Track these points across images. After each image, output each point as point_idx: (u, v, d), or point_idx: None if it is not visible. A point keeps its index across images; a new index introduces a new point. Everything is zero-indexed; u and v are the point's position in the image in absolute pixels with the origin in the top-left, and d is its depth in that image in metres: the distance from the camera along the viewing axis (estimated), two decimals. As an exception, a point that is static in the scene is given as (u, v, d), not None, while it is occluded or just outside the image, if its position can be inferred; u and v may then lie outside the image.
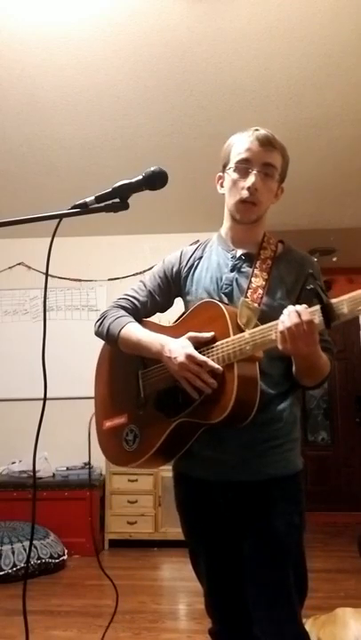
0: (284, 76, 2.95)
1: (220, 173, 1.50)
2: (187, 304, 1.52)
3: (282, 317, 1.20)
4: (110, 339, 1.50)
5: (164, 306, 1.59)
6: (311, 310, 1.18)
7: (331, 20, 2.58)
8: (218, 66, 2.88)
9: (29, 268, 4.79)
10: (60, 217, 1.15)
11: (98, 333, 1.56)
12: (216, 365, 1.28)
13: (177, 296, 1.58)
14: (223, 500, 1.40)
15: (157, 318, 1.59)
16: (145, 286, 1.57)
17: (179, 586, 3.45)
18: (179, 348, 1.32)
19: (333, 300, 1.15)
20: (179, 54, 2.80)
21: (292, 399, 1.44)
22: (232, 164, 1.43)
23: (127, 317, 1.50)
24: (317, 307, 1.17)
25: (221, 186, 1.50)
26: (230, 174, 1.44)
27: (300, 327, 1.17)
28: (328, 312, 1.15)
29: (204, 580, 1.48)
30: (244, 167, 1.41)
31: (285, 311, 1.21)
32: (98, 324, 1.55)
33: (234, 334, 1.29)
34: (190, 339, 1.34)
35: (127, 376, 1.52)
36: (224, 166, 1.48)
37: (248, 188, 1.39)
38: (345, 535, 4.40)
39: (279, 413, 1.39)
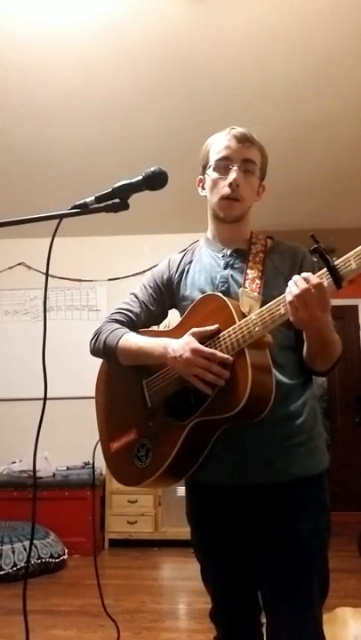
0: (285, 76, 2.95)
1: (201, 176, 1.48)
2: (183, 310, 1.45)
3: (289, 287, 1.14)
4: (108, 352, 1.43)
5: (159, 317, 1.54)
6: (319, 274, 1.13)
7: (331, 20, 2.58)
8: (218, 67, 2.88)
9: (29, 267, 4.80)
10: (60, 217, 1.14)
11: (94, 351, 1.48)
12: (225, 355, 1.21)
13: (171, 306, 1.53)
14: (241, 507, 1.32)
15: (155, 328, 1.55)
16: (137, 298, 1.52)
17: (179, 585, 3.45)
18: (183, 345, 1.26)
19: (339, 260, 1.11)
20: (179, 55, 2.81)
21: (310, 392, 1.38)
22: (212, 163, 1.42)
23: (123, 329, 1.44)
24: (324, 270, 1.12)
25: (203, 188, 1.48)
26: (210, 174, 1.42)
27: (310, 292, 1.11)
28: (336, 272, 1.10)
29: (212, 590, 1.43)
30: (224, 164, 1.39)
31: (291, 281, 1.15)
32: (93, 341, 1.48)
33: (239, 321, 1.23)
34: (194, 334, 1.27)
35: (130, 389, 1.44)
36: (204, 167, 1.45)
37: (230, 185, 1.37)
38: (345, 535, 4.38)
39: (299, 408, 1.32)
